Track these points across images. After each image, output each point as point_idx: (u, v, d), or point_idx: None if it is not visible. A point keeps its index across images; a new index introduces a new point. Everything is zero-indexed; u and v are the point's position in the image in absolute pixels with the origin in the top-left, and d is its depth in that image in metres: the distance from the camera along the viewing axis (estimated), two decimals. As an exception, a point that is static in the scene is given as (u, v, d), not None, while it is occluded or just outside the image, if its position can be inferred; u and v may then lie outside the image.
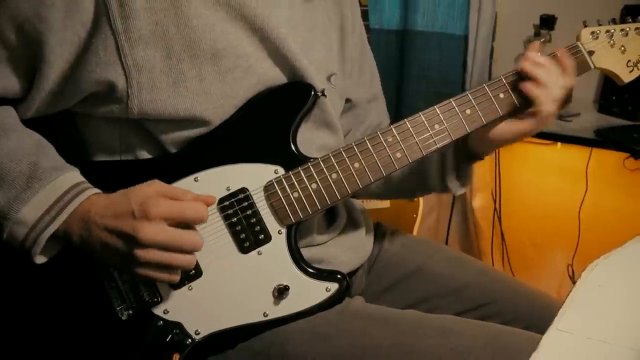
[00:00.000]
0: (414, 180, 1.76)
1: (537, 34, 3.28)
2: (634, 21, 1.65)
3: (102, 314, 1.37)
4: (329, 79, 1.59)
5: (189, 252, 1.29)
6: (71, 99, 1.38)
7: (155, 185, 1.30)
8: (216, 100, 1.38)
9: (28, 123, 1.40)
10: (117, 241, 1.26)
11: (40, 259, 1.30)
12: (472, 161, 1.67)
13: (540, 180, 3.61)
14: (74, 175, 1.32)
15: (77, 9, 1.28)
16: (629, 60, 1.65)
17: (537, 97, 1.48)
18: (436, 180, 1.71)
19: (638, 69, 1.66)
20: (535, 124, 1.53)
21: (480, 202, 3.65)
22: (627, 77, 1.66)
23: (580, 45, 1.60)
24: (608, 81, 3.09)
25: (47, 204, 1.26)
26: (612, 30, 1.63)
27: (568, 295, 1.18)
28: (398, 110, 3.45)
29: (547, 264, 3.62)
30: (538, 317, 1.62)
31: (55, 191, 1.27)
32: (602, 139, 2.69)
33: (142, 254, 1.24)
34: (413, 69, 3.40)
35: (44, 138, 1.39)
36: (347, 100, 1.79)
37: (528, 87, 1.49)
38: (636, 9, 2.89)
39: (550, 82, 1.49)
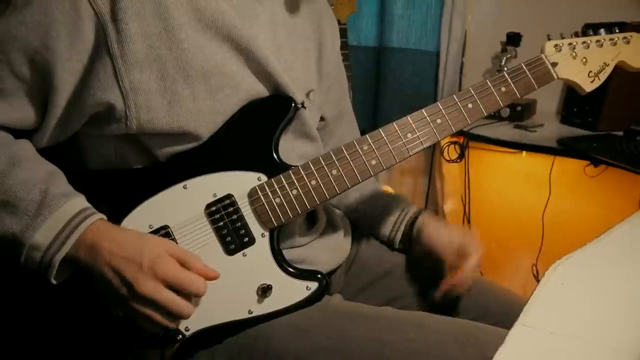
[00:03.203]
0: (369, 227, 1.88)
1: (503, 50, 3.31)
2: (595, 34, 1.66)
3: (98, 311, 1.36)
4: (307, 95, 1.59)
5: (174, 318, 1.32)
6: (78, 122, 1.38)
7: (169, 245, 1.33)
8: (207, 116, 1.39)
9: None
10: (116, 282, 1.27)
11: (55, 280, 1.30)
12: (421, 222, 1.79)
13: (507, 186, 3.62)
14: (80, 202, 1.32)
15: (80, 37, 1.29)
16: (591, 71, 1.65)
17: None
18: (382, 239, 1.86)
19: (599, 79, 1.67)
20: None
21: (450, 206, 3.67)
22: (588, 87, 1.66)
23: (544, 57, 1.60)
24: (570, 94, 3.11)
25: (57, 229, 1.26)
26: (574, 43, 1.63)
27: (533, 293, 1.18)
28: (374, 121, 3.46)
29: (513, 264, 3.63)
30: (504, 314, 1.62)
31: (63, 217, 1.27)
32: (564, 148, 2.70)
33: (134, 303, 1.27)
34: (389, 82, 3.41)
35: (47, 156, 1.39)
36: (321, 119, 1.80)
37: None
38: (596, 26, 2.91)
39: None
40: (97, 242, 1.27)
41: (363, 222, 1.90)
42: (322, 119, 1.80)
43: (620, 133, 2.81)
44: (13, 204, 1.26)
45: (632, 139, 2.66)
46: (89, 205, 1.33)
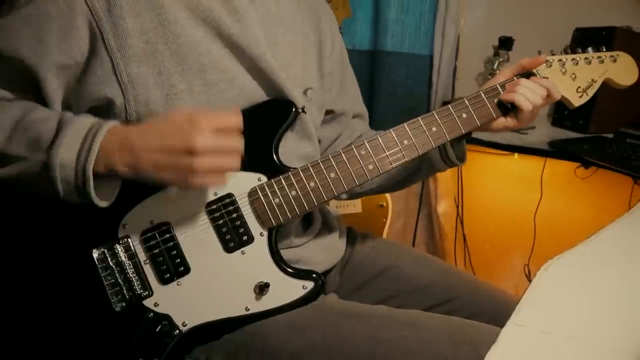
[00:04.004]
0: (421, 168, 1.81)
1: (496, 54, 3.31)
2: (583, 52, 1.68)
3: (98, 305, 1.37)
4: (305, 92, 1.60)
5: (234, 156, 1.31)
6: None
7: (184, 107, 1.34)
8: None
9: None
10: (172, 157, 1.26)
11: (102, 201, 1.31)
12: (465, 139, 1.73)
13: (499, 188, 3.62)
14: (92, 118, 1.31)
15: (71, 34, 1.30)
16: (579, 87, 1.68)
17: (520, 104, 1.58)
18: (440, 163, 1.76)
19: (587, 95, 1.70)
20: (517, 124, 1.65)
21: (444, 207, 3.66)
22: (577, 101, 1.70)
23: (536, 72, 1.63)
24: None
25: (79, 142, 1.25)
26: (564, 60, 1.66)
27: (524, 292, 1.19)
28: (369, 123, 3.45)
29: (505, 264, 3.63)
30: (497, 312, 1.63)
31: (82, 128, 1.26)
32: (555, 150, 2.71)
33: (199, 162, 1.25)
34: (383, 86, 3.41)
35: None
36: (330, 112, 1.81)
37: (511, 97, 1.59)
38: (586, 31, 2.92)
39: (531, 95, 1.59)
40: (124, 140, 1.27)
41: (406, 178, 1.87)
42: (328, 112, 1.81)
43: (610, 135, 2.82)
44: (36, 137, 1.26)
45: (622, 141, 2.67)
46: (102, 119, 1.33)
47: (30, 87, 1.35)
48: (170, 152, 1.26)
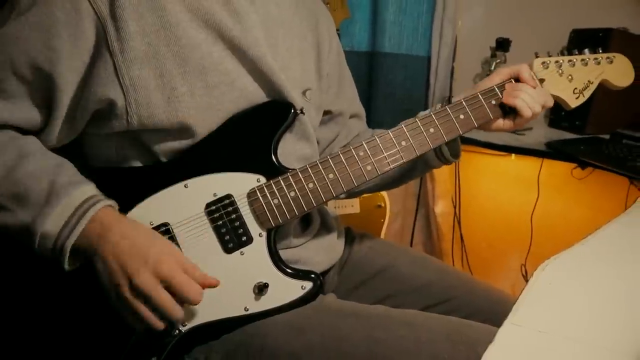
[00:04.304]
0: (416, 166, 1.81)
1: (493, 56, 3.31)
2: (580, 53, 1.69)
3: (98, 306, 1.36)
4: (304, 93, 1.60)
5: (156, 317, 1.31)
6: (82, 121, 1.39)
7: (176, 250, 1.34)
8: (205, 112, 1.40)
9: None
10: (117, 270, 1.28)
11: (68, 267, 1.31)
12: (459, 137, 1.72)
13: (496, 188, 3.63)
14: (88, 189, 1.33)
15: (81, 36, 1.30)
16: (576, 88, 1.68)
17: (521, 110, 1.59)
18: (435, 160, 1.77)
19: (583, 96, 1.70)
20: (513, 126, 1.66)
21: (441, 208, 3.66)
22: (573, 103, 1.70)
23: (534, 73, 1.63)
24: (557, 98, 3.12)
25: (66, 217, 1.27)
26: (561, 61, 1.66)
27: (521, 292, 1.19)
28: (367, 124, 3.45)
29: (502, 264, 3.63)
30: (494, 312, 1.63)
31: (71, 204, 1.28)
32: (552, 151, 2.71)
33: (128, 294, 1.27)
34: (381, 87, 3.41)
35: (63, 157, 1.40)
36: (327, 113, 1.82)
37: (512, 102, 1.59)
38: (583, 32, 2.92)
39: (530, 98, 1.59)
40: (106, 232, 1.29)
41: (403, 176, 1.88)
42: (326, 113, 1.82)
43: (607, 136, 2.82)
44: (23, 195, 1.27)
45: (618, 142, 2.68)
46: (98, 192, 1.34)
47: (39, 96, 1.35)
48: (122, 266, 1.28)
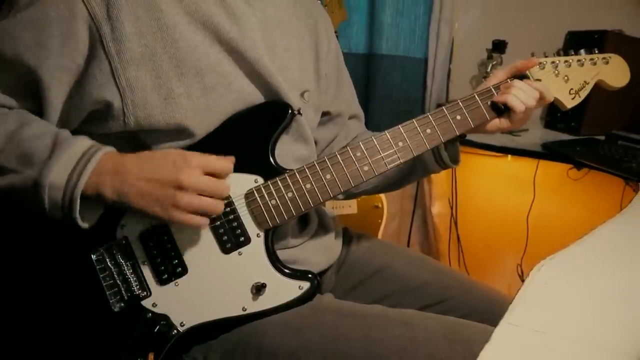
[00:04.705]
0: (415, 170, 1.82)
1: (489, 57, 3.32)
2: (576, 54, 1.69)
3: (97, 306, 1.37)
4: (302, 95, 1.60)
5: (219, 199, 1.35)
6: (76, 121, 1.39)
7: (183, 152, 1.35)
8: (202, 114, 1.40)
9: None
10: (158, 188, 1.29)
11: (84, 223, 1.32)
12: (458, 141, 1.74)
13: (493, 189, 3.63)
14: (89, 140, 1.33)
15: (72, 38, 1.30)
16: (572, 89, 1.68)
17: (513, 105, 1.58)
18: (434, 165, 1.77)
19: (579, 97, 1.70)
20: (510, 125, 1.64)
21: (438, 209, 3.67)
22: (569, 103, 1.70)
23: (529, 74, 1.63)
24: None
25: (72, 165, 1.27)
26: (557, 62, 1.66)
27: (517, 292, 1.19)
28: (365, 126, 3.45)
29: (498, 264, 3.63)
30: (490, 312, 1.63)
31: (76, 152, 1.29)
32: (548, 152, 2.71)
33: (183, 197, 1.29)
34: (378, 88, 3.41)
35: None
36: (326, 114, 1.82)
37: (504, 98, 1.59)
38: (579, 34, 2.93)
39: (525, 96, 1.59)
40: (117, 166, 1.30)
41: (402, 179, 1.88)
42: (325, 114, 1.82)
43: (602, 137, 2.82)
44: (29, 153, 1.27)
45: (614, 143, 2.68)
46: (98, 143, 1.34)
47: (30, 92, 1.35)
48: (157, 183, 1.29)
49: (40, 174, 1.26)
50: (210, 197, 1.33)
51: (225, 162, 1.36)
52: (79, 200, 1.27)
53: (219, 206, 1.35)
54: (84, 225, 1.32)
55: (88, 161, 1.28)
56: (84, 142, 1.31)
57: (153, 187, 1.29)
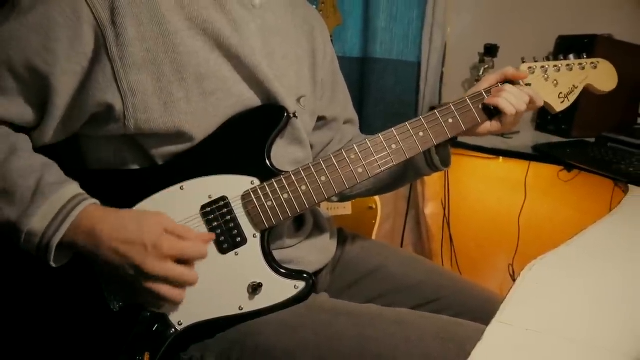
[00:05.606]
0: (407, 173, 1.82)
1: (481, 61, 3.33)
2: (565, 59, 1.69)
3: (95, 305, 1.37)
4: (298, 100, 1.60)
5: (180, 290, 1.36)
6: (78, 122, 1.39)
7: (164, 221, 1.35)
8: (201, 118, 1.40)
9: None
10: (124, 265, 1.29)
11: (55, 264, 1.31)
12: (449, 144, 1.74)
13: (485, 191, 3.63)
14: (73, 188, 1.32)
15: (79, 41, 1.29)
16: (561, 93, 1.68)
17: (504, 109, 1.58)
18: (426, 168, 1.77)
19: (568, 100, 1.70)
20: (501, 128, 1.65)
21: (431, 209, 3.67)
22: (559, 107, 1.70)
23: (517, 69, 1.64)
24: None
25: (52, 215, 1.27)
26: (547, 66, 1.67)
27: (509, 291, 1.19)
28: (359, 129, 3.45)
29: (490, 264, 3.63)
30: (483, 311, 1.63)
31: (57, 203, 1.28)
32: (539, 154, 2.72)
33: (145, 283, 1.31)
34: (372, 92, 3.41)
35: (48, 156, 1.39)
36: (321, 118, 1.82)
37: (495, 101, 1.59)
38: (569, 38, 2.93)
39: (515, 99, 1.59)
40: (94, 227, 1.29)
41: (396, 181, 1.89)
42: (320, 118, 1.82)
43: (592, 139, 2.83)
44: (10, 191, 1.27)
45: (604, 145, 2.68)
46: (83, 191, 1.34)
47: (36, 96, 1.35)
48: (125, 259, 1.29)
49: (19, 220, 1.26)
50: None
51: (200, 247, 1.38)
52: (54, 250, 1.27)
53: (179, 296, 1.36)
54: (55, 265, 1.31)
55: (67, 215, 1.28)
56: (66, 191, 1.31)
57: (120, 260, 1.29)
